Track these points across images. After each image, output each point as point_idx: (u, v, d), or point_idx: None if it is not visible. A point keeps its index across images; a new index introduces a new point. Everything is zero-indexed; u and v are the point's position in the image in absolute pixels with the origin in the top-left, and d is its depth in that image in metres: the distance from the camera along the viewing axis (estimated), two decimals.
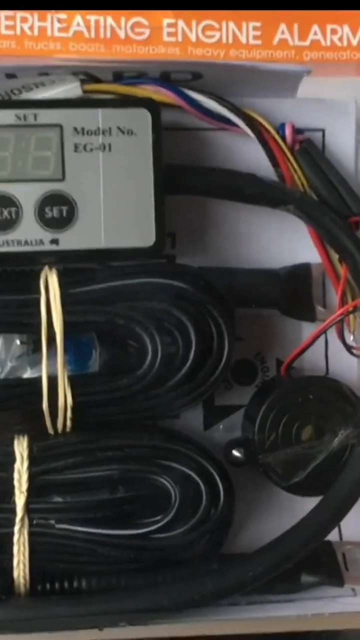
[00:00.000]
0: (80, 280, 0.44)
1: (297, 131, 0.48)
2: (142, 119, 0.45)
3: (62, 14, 0.50)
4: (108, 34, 0.50)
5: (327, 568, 0.46)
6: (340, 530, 0.48)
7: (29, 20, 0.48)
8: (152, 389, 0.44)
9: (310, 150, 0.48)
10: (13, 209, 0.44)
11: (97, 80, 0.48)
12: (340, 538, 0.48)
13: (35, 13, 0.48)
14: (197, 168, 0.47)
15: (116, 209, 0.44)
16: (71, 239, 0.44)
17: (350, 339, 0.48)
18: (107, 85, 0.47)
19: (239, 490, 0.47)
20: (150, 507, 0.44)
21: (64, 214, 0.44)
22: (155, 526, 0.43)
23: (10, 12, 0.48)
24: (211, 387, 0.45)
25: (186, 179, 0.46)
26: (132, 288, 0.44)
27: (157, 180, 0.45)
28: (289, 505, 0.48)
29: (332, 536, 0.47)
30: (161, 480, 0.44)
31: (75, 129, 0.44)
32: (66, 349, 0.44)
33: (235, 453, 0.47)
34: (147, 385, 0.44)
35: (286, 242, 0.50)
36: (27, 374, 0.45)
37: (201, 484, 0.44)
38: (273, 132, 0.47)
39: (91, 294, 0.44)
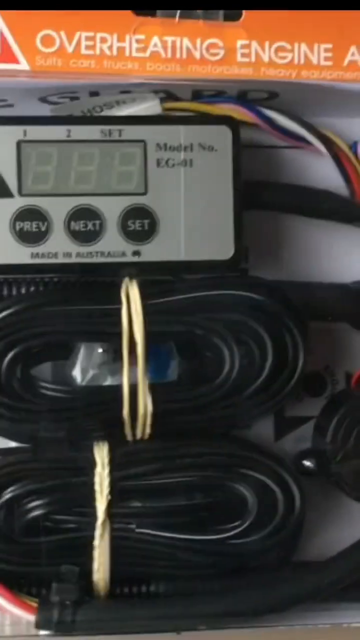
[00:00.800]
0: (161, 291, 0.45)
1: None
2: (222, 135, 0.46)
3: (140, 35, 0.51)
4: (184, 55, 0.51)
5: None
6: None
7: (108, 41, 0.49)
8: (229, 398, 0.45)
9: None
10: (97, 222, 0.45)
11: (176, 99, 0.49)
12: None
13: (115, 33, 0.50)
14: (275, 184, 0.48)
15: (196, 223, 0.46)
16: (152, 251, 0.45)
17: None
18: (186, 104, 0.49)
19: (309, 499, 0.47)
20: (228, 514, 0.45)
21: (146, 226, 0.45)
22: (234, 532, 0.44)
23: (90, 33, 0.50)
24: (285, 397, 0.46)
25: (264, 195, 0.47)
26: (211, 299, 0.45)
27: (237, 195, 0.46)
28: (359, 515, 0.48)
29: None
30: (239, 488, 0.44)
31: (158, 144, 0.46)
32: (147, 358, 0.45)
33: (307, 463, 0.48)
34: (225, 395, 0.45)
35: (357, 257, 0.50)
36: (108, 381, 0.46)
37: (278, 491, 0.45)
38: (347, 150, 0.48)
39: (171, 304, 0.45)
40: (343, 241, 0.51)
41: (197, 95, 0.49)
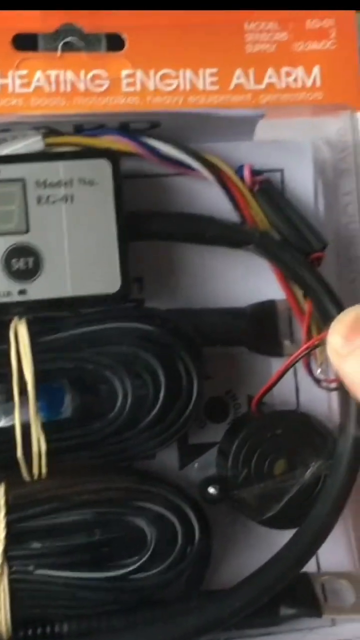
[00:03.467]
0: (48, 328, 0.45)
1: (255, 172, 0.49)
2: (102, 169, 0.46)
3: (23, 70, 0.51)
4: (68, 88, 0.51)
5: (305, 599, 0.47)
6: (318, 561, 0.49)
7: None
8: (124, 431, 0.45)
9: (269, 190, 0.49)
10: None
11: (58, 133, 0.49)
12: (318, 568, 0.49)
13: None
14: (158, 213, 0.48)
15: (81, 258, 0.45)
16: (39, 289, 0.45)
17: (317, 372, 0.49)
18: (68, 138, 0.49)
19: (216, 527, 0.47)
20: (128, 549, 0.44)
21: (30, 265, 0.45)
22: (133, 567, 0.44)
23: None
24: (182, 427, 0.46)
25: (147, 225, 0.47)
26: (99, 334, 0.45)
27: (120, 227, 0.46)
28: (266, 539, 0.48)
29: (310, 567, 0.48)
30: (136, 521, 0.44)
31: (37, 182, 0.46)
32: (38, 397, 0.45)
33: (210, 490, 0.48)
34: (119, 428, 0.45)
35: (251, 281, 0.51)
36: (1, 422, 0.46)
37: (176, 522, 0.44)
38: (231, 174, 0.49)
39: (59, 341, 0.45)
40: (237, 265, 0.51)
41: (79, 129, 0.48)
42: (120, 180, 0.46)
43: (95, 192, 0.46)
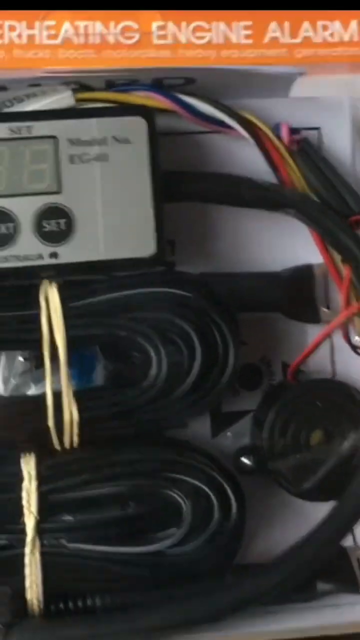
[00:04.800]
0: (80, 293, 0.43)
1: (293, 131, 0.47)
2: (137, 126, 0.44)
3: (51, 21, 0.49)
4: (97, 39, 0.49)
5: (343, 575, 0.45)
6: (354, 535, 0.47)
7: (17, 29, 0.47)
8: (159, 400, 0.43)
9: (307, 150, 0.47)
10: (10, 224, 0.43)
11: (89, 89, 0.47)
12: (355, 543, 0.47)
13: (24, 21, 0.48)
14: (194, 174, 0.46)
15: (115, 220, 0.44)
16: (70, 252, 0.44)
17: (356, 339, 0.47)
18: (99, 94, 0.47)
19: (250, 499, 0.46)
20: (163, 522, 0.43)
21: (62, 226, 0.43)
22: (169, 542, 0.42)
23: None
24: (218, 395, 0.44)
25: (183, 186, 0.45)
26: (132, 299, 0.43)
27: (155, 188, 0.44)
28: (301, 511, 0.47)
29: (347, 541, 0.46)
30: (172, 494, 0.43)
31: (71, 140, 0.44)
32: (70, 364, 0.43)
33: (245, 460, 0.47)
34: (153, 397, 0.43)
35: (288, 244, 0.49)
36: (32, 390, 0.44)
37: (212, 495, 0.43)
38: (269, 132, 0.47)
39: (91, 307, 0.43)
40: (272, 229, 0.49)
41: (111, 84, 0.46)
42: (156, 140, 0.44)
43: (130, 151, 0.44)
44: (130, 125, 0.44)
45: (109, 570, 0.42)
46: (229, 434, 0.48)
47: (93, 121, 0.44)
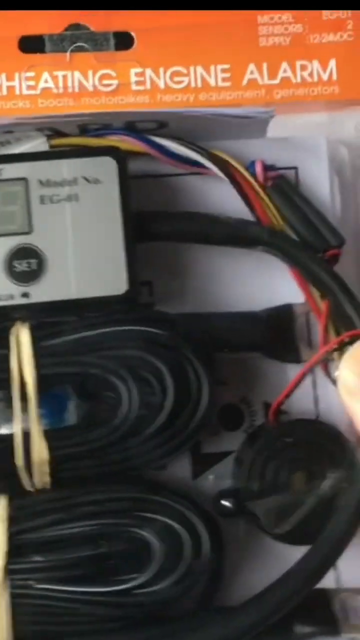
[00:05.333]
0: (51, 332, 0.43)
1: (268, 168, 0.47)
2: (107, 167, 0.44)
3: (30, 72, 0.50)
4: (76, 88, 0.50)
5: (322, 617, 0.44)
6: (338, 577, 0.46)
7: None
8: (129, 438, 0.43)
9: (283, 185, 0.47)
10: None
11: (64, 135, 0.47)
12: (339, 585, 0.46)
13: (3, 72, 0.49)
14: (165, 213, 0.46)
15: (86, 259, 0.44)
16: (42, 292, 0.44)
17: (336, 375, 0.46)
18: (73, 139, 0.47)
19: (232, 541, 0.46)
20: (133, 562, 0.42)
21: (34, 266, 0.44)
22: (137, 582, 0.42)
23: None
24: (192, 435, 0.44)
25: (154, 225, 0.45)
26: (103, 337, 0.43)
27: (126, 227, 0.44)
28: (283, 555, 0.46)
29: (330, 583, 0.45)
30: (143, 533, 0.42)
31: (41, 181, 0.44)
32: (41, 403, 0.43)
33: (225, 503, 0.46)
34: (124, 435, 0.43)
35: (267, 283, 0.49)
36: (3, 430, 0.44)
37: (183, 534, 0.42)
38: (242, 170, 0.47)
39: (62, 346, 0.43)
40: (254, 267, 0.49)
41: (84, 130, 0.47)
42: (127, 179, 0.44)
43: (100, 191, 0.44)
44: (100, 165, 0.44)
45: (77, 611, 0.41)
46: (210, 476, 0.47)
47: (63, 162, 0.44)
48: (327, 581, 0.45)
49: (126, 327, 0.43)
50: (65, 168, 0.44)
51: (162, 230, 0.46)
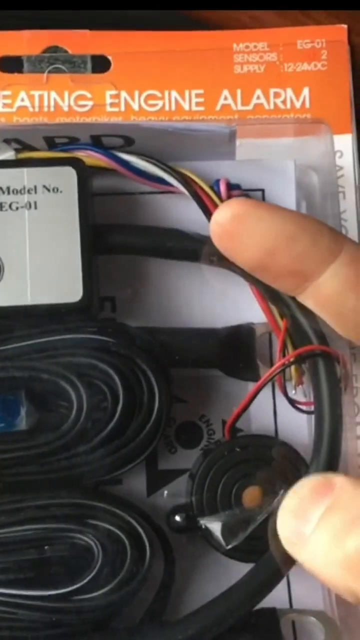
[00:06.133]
0: (3, 338, 0.43)
1: (233, 187, 0.47)
2: (67, 176, 0.45)
3: (7, 91, 0.51)
4: (52, 107, 0.51)
5: (269, 637, 0.43)
6: (290, 597, 0.45)
7: None
8: (76, 445, 0.43)
9: None
10: None
11: (32, 148, 0.48)
12: (291, 605, 0.45)
13: None
14: (122, 226, 0.47)
15: (42, 266, 0.44)
16: None
17: (292, 393, 0.46)
18: (40, 153, 0.48)
19: (185, 558, 0.45)
20: (74, 568, 0.42)
21: None
22: (76, 586, 0.41)
23: None
24: (143, 446, 0.44)
25: (111, 237, 0.45)
26: (55, 344, 0.43)
27: (84, 236, 0.44)
28: (235, 571, 0.45)
29: (282, 603, 0.44)
30: (84, 539, 0.42)
31: (1, 188, 0.45)
32: None
33: (176, 518, 0.45)
34: (71, 442, 0.43)
35: (230, 301, 0.48)
36: None
37: (125, 541, 0.42)
38: (206, 188, 0.47)
39: (14, 350, 0.43)
40: (216, 284, 0.49)
41: (51, 143, 0.48)
42: (87, 189, 0.45)
43: (59, 200, 0.45)
44: (60, 174, 0.45)
45: (14, 615, 0.41)
46: (165, 492, 0.47)
47: (24, 170, 0.45)
48: (280, 601, 0.44)
49: (79, 335, 0.44)
50: (26, 176, 0.45)
51: (120, 242, 0.46)
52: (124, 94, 0.52)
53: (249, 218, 0.37)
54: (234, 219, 0.35)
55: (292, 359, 0.45)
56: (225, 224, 0.35)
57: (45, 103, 0.52)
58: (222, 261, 0.44)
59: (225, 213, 0.35)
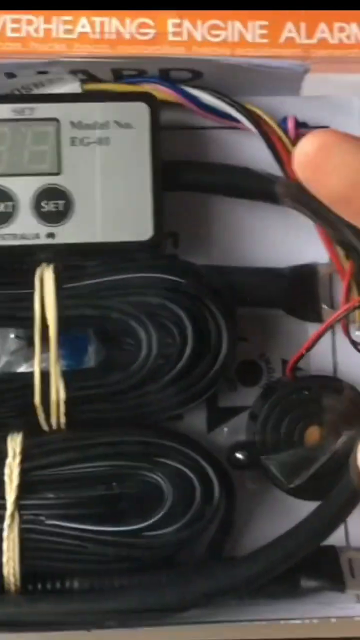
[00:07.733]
0: (75, 275, 0.43)
1: (300, 125, 0.47)
2: (140, 112, 0.44)
3: (68, 16, 0.50)
4: (113, 35, 0.50)
5: (329, 573, 0.44)
6: (347, 536, 0.46)
7: (34, 23, 0.48)
8: (147, 384, 0.43)
9: None
10: (10, 203, 0.44)
11: (98, 80, 0.47)
12: (348, 543, 0.46)
13: (41, 15, 0.48)
14: (193, 163, 0.46)
15: (113, 203, 0.44)
16: (67, 233, 0.44)
17: (356, 334, 0.46)
18: (106, 85, 0.47)
19: (243, 494, 0.46)
20: (144, 504, 0.42)
21: (61, 207, 0.44)
22: (147, 523, 0.42)
23: (16, 15, 0.48)
24: (209, 385, 0.44)
25: (181, 174, 0.45)
26: (126, 283, 0.43)
27: (155, 173, 0.44)
28: (295, 509, 0.46)
29: (339, 541, 0.45)
30: (154, 477, 0.42)
31: (73, 122, 0.44)
32: (62, 345, 0.43)
33: (238, 455, 0.46)
34: (141, 381, 0.43)
35: (294, 241, 0.48)
36: (22, 368, 0.44)
37: (194, 480, 0.42)
38: (274, 126, 0.46)
39: (85, 288, 0.43)
40: (279, 224, 0.48)
41: (118, 76, 0.47)
42: (158, 125, 0.44)
43: (131, 136, 0.44)
44: (132, 110, 0.44)
45: (85, 549, 0.42)
46: (225, 429, 0.48)
47: (96, 105, 0.44)
48: (337, 539, 0.45)
49: (149, 274, 0.43)
50: (97, 111, 0.44)
51: (191, 180, 0.46)
52: (186, 24, 0.51)
53: (337, 149, 0.36)
54: (321, 149, 0.35)
55: (358, 303, 0.45)
56: (311, 153, 0.34)
57: (107, 29, 0.50)
58: (293, 202, 0.44)
59: (312, 143, 0.35)
